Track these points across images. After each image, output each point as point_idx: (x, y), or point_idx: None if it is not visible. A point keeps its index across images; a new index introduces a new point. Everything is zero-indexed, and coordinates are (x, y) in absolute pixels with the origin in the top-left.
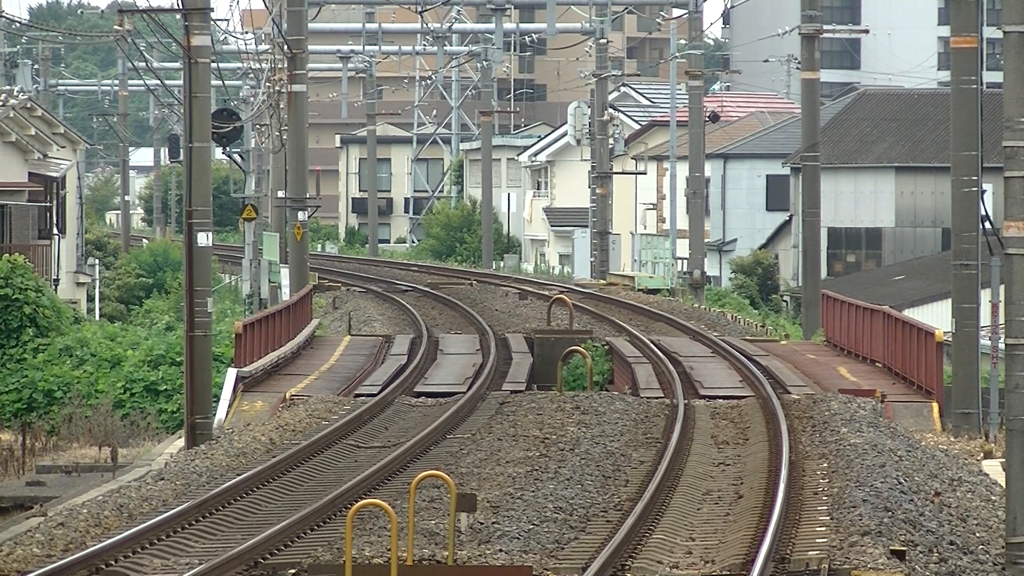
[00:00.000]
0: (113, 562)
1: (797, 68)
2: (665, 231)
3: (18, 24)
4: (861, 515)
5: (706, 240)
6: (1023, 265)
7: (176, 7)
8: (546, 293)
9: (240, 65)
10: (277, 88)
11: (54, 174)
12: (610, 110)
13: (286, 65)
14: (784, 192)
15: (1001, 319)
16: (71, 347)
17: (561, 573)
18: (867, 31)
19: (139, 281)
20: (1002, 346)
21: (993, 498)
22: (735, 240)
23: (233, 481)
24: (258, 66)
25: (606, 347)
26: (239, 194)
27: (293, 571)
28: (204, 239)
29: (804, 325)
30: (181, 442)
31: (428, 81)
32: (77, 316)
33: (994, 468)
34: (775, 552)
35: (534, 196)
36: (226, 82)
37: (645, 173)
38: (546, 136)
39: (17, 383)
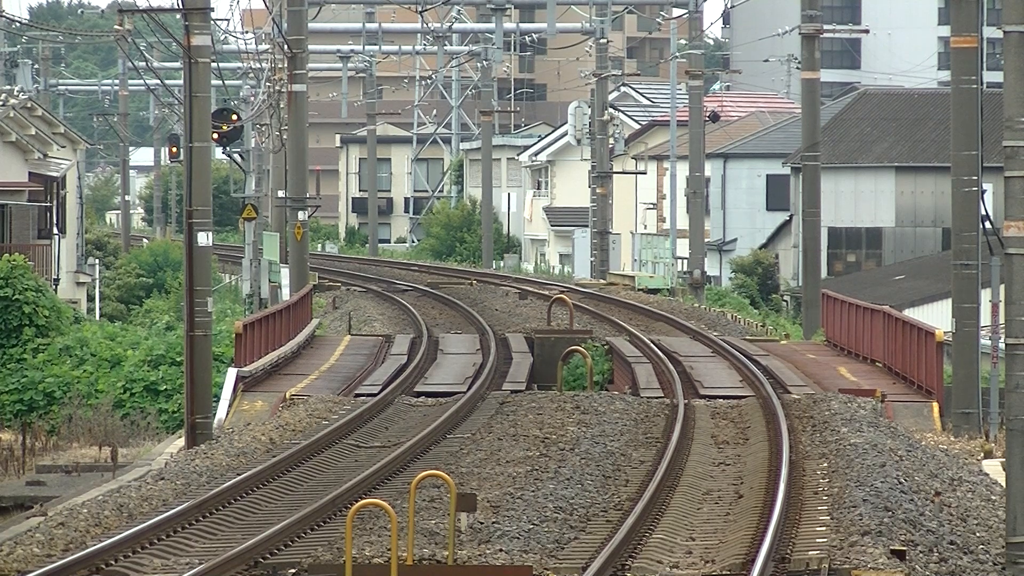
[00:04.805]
0: (113, 562)
1: (797, 68)
2: (665, 231)
3: (18, 24)
4: (861, 515)
5: (706, 240)
6: (1023, 265)
7: (176, 7)
8: (546, 293)
9: (240, 65)
10: (277, 88)
11: (54, 174)
12: (610, 110)
13: (286, 65)
14: (784, 192)
15: (1001, 319)
16: (71, 347)
17: (561, 573)
18: (867, 31)
19: (139, 281)
20: (1002, 346)
21: (993, 498)
22: (735, 240)
23: (233, 481)
24: (258, 66)
25: (606, 347)
26: (239, 194)
27: (293, 571)
28: (204, 239)
29: (804, 325)
30: (181, 442)
31: (428, 81)
32: (77, 316)
33: (994, 468)
34: (775, 552)
35: (534, 196)
36: (226, 82)
37: (645, 173)
38: (546, 136)
39: (17, 383)
